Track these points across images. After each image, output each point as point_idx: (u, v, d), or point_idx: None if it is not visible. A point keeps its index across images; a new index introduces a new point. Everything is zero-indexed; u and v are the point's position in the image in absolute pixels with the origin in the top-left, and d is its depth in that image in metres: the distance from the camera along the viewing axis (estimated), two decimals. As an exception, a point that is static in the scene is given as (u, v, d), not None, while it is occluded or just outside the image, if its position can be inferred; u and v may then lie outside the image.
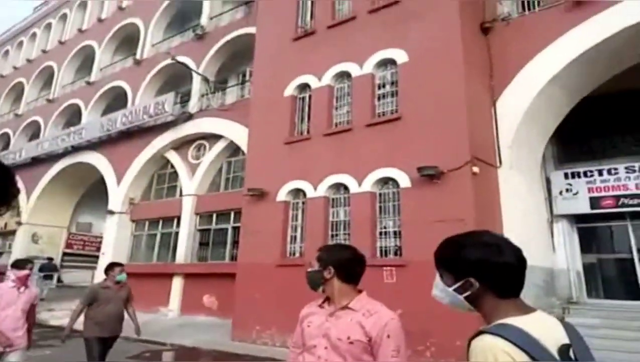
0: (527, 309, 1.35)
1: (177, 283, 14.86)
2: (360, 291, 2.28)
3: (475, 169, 8.69)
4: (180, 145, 16.77)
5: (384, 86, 10.54)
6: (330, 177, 10.42)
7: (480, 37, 10.51)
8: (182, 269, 14.91)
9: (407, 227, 9.03)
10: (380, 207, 9.76)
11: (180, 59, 16.75)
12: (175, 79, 18.07)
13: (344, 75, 11.19)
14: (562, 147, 11.55)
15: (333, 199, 10.50)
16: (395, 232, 9.38)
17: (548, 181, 11.38)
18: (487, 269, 1.36)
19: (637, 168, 10.40)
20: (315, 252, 2.41)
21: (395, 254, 9.24)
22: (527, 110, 9.71)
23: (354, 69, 10.89)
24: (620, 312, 9.42)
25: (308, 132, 11.37)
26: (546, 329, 1.27)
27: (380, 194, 9.83)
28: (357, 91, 10.68)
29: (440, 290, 1.47)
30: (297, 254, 10.69)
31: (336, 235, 10.11)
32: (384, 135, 9.85)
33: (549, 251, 10.72)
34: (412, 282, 8.06)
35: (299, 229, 10.94)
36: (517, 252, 1.40)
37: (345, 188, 10.28)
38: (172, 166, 17.03)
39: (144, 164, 17.36)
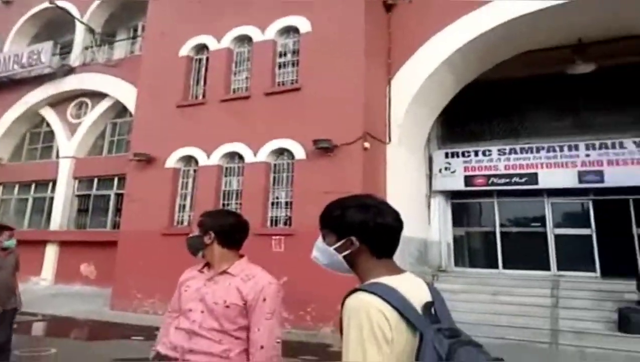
0: (398, 270, 1.43)
1: (51, 251, 13.74)
2: (241, 256, 2.27)
3: (367, 145, 9.00)
4: (59, 102, 15.23)
5: (285, 55, 10.40)
6: (225, 145, 10.16)
7: (383, 14, 10.68)
8: (57, 237, 13.80)
9: (298, 199, 9.16)
10: (274, 178, 9.76)
11: (61, 3, 15.02)
12: (55, 27, 16.16)
13: (245, 40, 10.84)
14: (445, 128, 12.40)
15: (227, 168, 10.28)
16: (286, 203, 9.48)
17: (430, 159, 12.20)
18: (368, 229, 1.42)
19: (507, 150, 11.52)
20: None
21: (285, 223, 9.36)
22: (419, 91, 10.19)
23: (255, 34, 10.58)
24: (479, 278, 10.61)
25: (204, 96, 10.92)
26: (413, 289, 1.36)
27: (275, 165, 9.81)
28: (258, 57, 10.43)
29: (321, 250, 1.51)
30: (186, 223, 10.36)
31: (228, 204, 9.95)
32: (282, 106, 9.78)
33: (425, 223, 11.57)
34: (299, 251, 8.20)
35: (188, 198, 10.59)
36: (396, 215, 1.48)
37: (240, 157, 10.10)
38: (48, 125, 15.47)
39: (14, 120, 15.56)
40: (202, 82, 11.13)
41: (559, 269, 10.72)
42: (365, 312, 1.24)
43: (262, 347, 2.03)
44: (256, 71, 10.37)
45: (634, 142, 10.40)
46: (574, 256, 10.81)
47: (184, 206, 10.57)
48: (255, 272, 2.16)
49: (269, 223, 9.46)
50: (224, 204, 9.94)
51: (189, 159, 10.69)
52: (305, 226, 8.43)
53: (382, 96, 10.24)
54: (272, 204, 9.62)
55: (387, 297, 1.26)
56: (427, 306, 1.32)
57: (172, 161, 10.65)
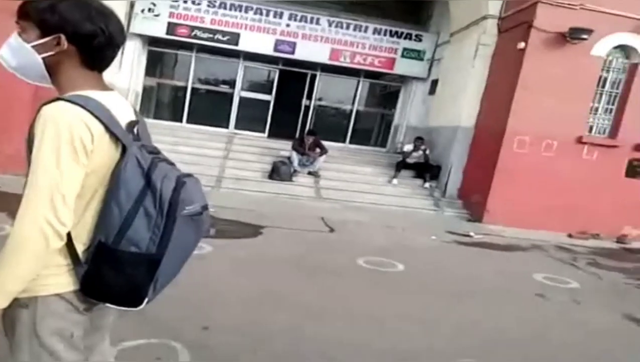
0: (106, 87, 1.32)
1: None
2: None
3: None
4: None
5: None
6: None
7: None
8: None
9: None
10: None
11: None
12: None
13: None
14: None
15: None
16: None
17: (133, -5, 10.89)
18: (86, 31, 1.23)
19: (217, 3, 10.94)
20: None
21: None
22: None
23: None
24: (162, 129, 10.46)
25: None
26: (120, 107, 1.30)
27: None
28: None
29: (14, 48, 1.24)
30: None
31: None
32: None
33: (115, 68, 10.63)
34: None
35: None
36: (121, 26, 1.32)
37: None
38: None
39: None
40: None
41: (236, 127, 11.58)
42: (67, 122, 1.14)
43: None
44: None
45: (328, 21, 11.27)
46: (251, 117, 11.81)
47: None
48: None
49: None
50: None
51: None
52: None
53: None
54: None
55: (93, 109, 1.18)
56: (132, 125, 1.31)
57: None
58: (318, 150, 9.60)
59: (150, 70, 11.63)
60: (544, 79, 8.04)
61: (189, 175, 1.31)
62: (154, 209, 1.19)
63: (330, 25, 11.34)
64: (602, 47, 8.14)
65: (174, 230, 1.21)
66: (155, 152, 1.31)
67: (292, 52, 11.34)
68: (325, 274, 4.69)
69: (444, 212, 8.92)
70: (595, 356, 3.56)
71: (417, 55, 11.74)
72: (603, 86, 8.49)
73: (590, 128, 8.62)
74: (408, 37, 11.65)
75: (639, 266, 6.92)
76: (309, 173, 9.41)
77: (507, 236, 7.67)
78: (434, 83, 11.32)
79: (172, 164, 1.32)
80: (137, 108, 10.83)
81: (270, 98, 11.80)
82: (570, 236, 8.19)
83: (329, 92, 12.63)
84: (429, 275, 5.18)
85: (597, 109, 8.58)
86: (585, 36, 7.81)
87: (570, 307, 4.64)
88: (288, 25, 11.24)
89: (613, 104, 8.58)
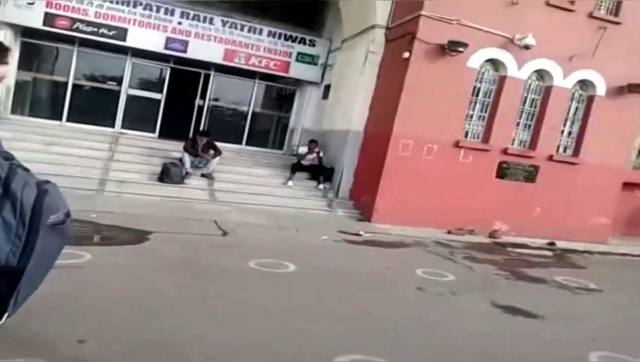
0: None
1: None
2: None
3: None
4: None
5: None
6: None
7: None
8: None
9: None
10: None
11: None
12: None
13: None
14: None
15: None
16: None
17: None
18: None
19: None
20: None
21: None
22: None
23: None
24: (38, 128, 9.70)
25: None
26: None
27: None
28: None
29: None
30: None
31: None
32: None
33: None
34: None
35: None
36: None
37: None
38: None
39: None
40: None
41: (123, 127, 10.94)
42: None
43: None
44: None
45: (222, 21, 11.10)
46: (140, 116, 11.25)
47: None
48: None
49: None
50: None
51: None
52: None
53: None
54: None
55: None
56: None
57: None
58: (212, 151, 9.38)
59: (24, 64, 10.57)
60: (426, 87, 8.64)
61: (48, 181, 1.23)
62: (13, 219, 1.10)
63: (224, 25, 11.20)
64: (476, 59, 8.93)
65: (38, 240, 1.13)
66: (11, 158, 1.21)
67: (185, 51, 11.00)
68: (214, 278, 4.61)
69: (337, 213, 9.20)
70: (465, 337, 3.89)
71: (311, 59, 12.01)
72: (477, 95, 9.31)
73: (466, 133, 9.41)
74: (302, 41, 11.88)
75: (507, 258, 7.70)
76: (202, 175, 9.16)
77: (393, 234, 8.10)
78: (327, 88, 11.66)
79: (27, 170, 1.22)
80: (9, 105, 9.98)
81: (161, 97, 11.32)
82: (449, 232, 8.88)
83: (224, 92, 12.42)
84: (319, 273, 5.31)
85: (472, 116, 9.39)
86: (461, 49, 8.51)
87: (446, 298, 5.02)
88: (180, 22, 10.90)
89: (485, 112, 9.44)
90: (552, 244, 8.98)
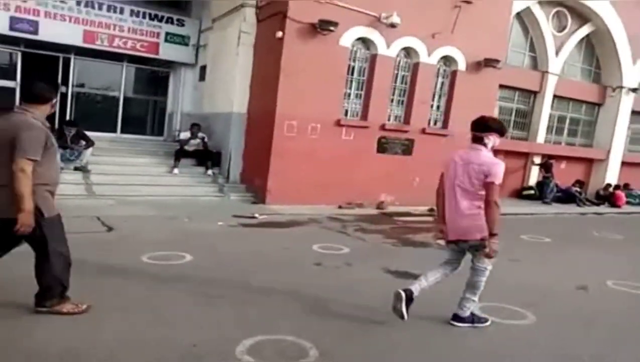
0: None
1: None
2: None
3: None
4: None
5: None
6: None
7: None
8: None
9: None
10: None
11: None
12: None
13: None
14: None
15: None
16: None
17: None
18: None
19: None
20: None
21: None
22: None
23: None
24: None
25: None
26: None
27: None
28: None
29: None
30: None
31: None
32: None
33: None
34: None
35: None
36: None
37: None
38: None
39: None
40: None
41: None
42: None
43: None
44: None
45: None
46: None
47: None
48: None
49: None
50: None
51: None
52: None
53: None
54: None
55: None
56: None
57: None
58: (83, 142, 8.60)
59: None
60: (303, 67, 8.73)
61: None
62: None
63: (78, 4, 10.18)
64: (347, 38, 9.20)
65: None
66: None
67: (35, 33, 9.83)
68: (106, 278, 4.28)
69: (230, 198, 9.05)
70: (366, 301, 4.16)
71: (182, 40, 11.50)
72: (352, 74, 9.65)
73: (346, 112, 9.76)
74: (170, 21, 11.30)
75: (394, 227, 8.25)
76: (76, 168, 8.37)
77: (288, 214, 8.21)
78: (203, 69, 11.26)
79: None
80: None
81: (14, 85, 10.01)
82: (340, 207, 9.24)
83: (90, 77, 11.40)
84: (217, 260, 5.22)
85: (349, 95, 9.76)
86: (332, 28, 8.65)
87: (343, 270, 5.26)
88: (25, 1, 9.62)
89: (362, 90, 9.85)
90: (432, 210, 9.77)
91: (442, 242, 4.15)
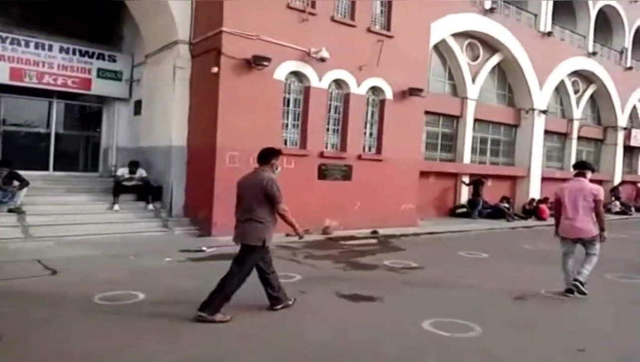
0: None
1: None
2: None
3: None
4: None
5: None
6: None
7: None
8: None
9: None
10: None
11: None
12: None
13: None
14: None
15: None
16: None
17: None
18: None
19: None
20: None
21: None
22: None
23: None
24: None
25: None
26: None
27: None
28: None
29: None
30: None
31: None
32: None
33: None
34: None
35: None
36: None
37: None
38: None
39: None
40: None
41: None
42: None
43: None
44: None
45: (1, 37, 9.96)
46: None
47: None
48: None
49: None
50: None
51: None
52: None
53: None
54: None
55: None
56: None
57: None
58: (16, 183, 8.26)
59: None
60: (240, 100, 8.99)
61: None
62: None
63: (4, 41, 9.98)
64: (281, 72, 9.60)
65: None
66: None
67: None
68: (57, 324, 4.21)
69: (174, 232, 9.01)
70: (320, 327, 4.42)
71: (115, 75, 11.48)
72: (288, 105, 10.04)
73: (285, 141, 10.09)
74: (101, 57, 11.29)
75: (341, 251, 8.55)
76: (10, 211, 8.02)
77: (235, 245, 8.21)
78: (138, 103, 11.22)
79: None
80: None
81: None
82: (287, 234, 9.36)
83: (19, 115, 11.01)
84: (171, 296, 5.22)
85: (287, 125, 10.10)
86: (266, 63, 9.02)
87: (297, 298, 5.41)
88: (-57, 39, 9.30)
89: (298, 120, 10.24)
90: (375, 232, 10.30)
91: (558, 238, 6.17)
